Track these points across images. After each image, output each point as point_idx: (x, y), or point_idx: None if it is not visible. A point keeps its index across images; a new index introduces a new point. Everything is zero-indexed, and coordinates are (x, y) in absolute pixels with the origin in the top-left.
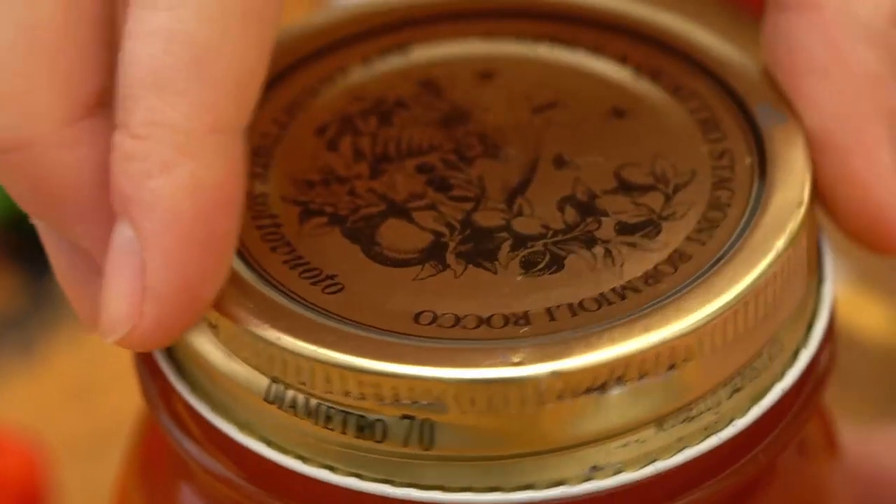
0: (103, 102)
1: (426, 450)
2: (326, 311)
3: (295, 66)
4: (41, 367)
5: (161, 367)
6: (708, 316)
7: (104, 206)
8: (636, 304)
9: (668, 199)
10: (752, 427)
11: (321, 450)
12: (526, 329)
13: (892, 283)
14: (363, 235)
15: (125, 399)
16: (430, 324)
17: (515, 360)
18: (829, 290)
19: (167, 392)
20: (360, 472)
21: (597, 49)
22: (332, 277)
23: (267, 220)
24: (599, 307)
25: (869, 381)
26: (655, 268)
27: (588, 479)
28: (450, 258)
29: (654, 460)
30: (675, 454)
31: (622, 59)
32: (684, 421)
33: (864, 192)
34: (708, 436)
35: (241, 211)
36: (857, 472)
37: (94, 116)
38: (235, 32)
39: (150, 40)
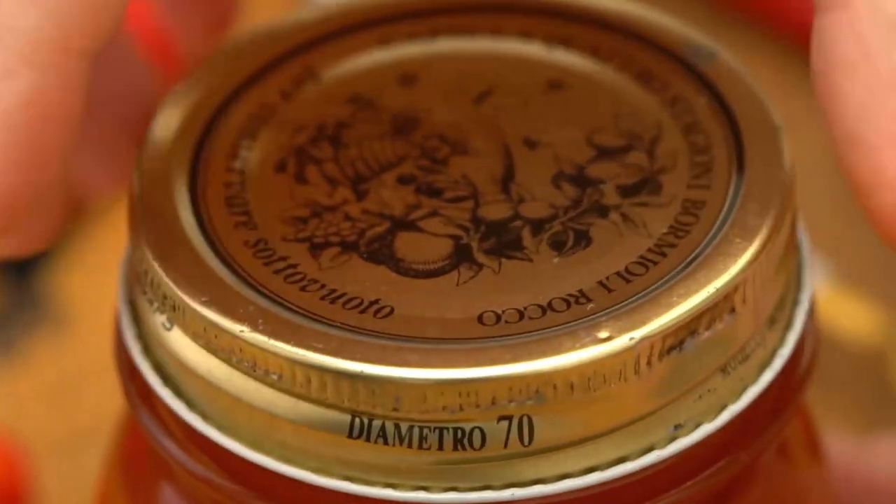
0: None
1: (525, 446)
2: (390, 334)
3: (221, 108)
4: (21, 366)
5: (141, 368)
6: (755, 252)
7: None
8: (681, 258)
9: (650, 154)
10: (733, 427)
11: (413, 473)
12: (591, 305)
13: (875, 284)
14: (383, 255)
15: (105, 398)
16: (496, 323)
17: (603, 335)
18: (808, 288)
19: (148, 392)
20: (456, 485)
21: (497, 31)
22: (375, 302)
23: (280, 263)
24: (647, 269)
25: (851, 383)
26: (676, 220)
27: (673, 438)
28: (480, 257)
29: (724, 406)
30: (740, 396)
31: (527, 35)
32: (742, 361)
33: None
34: (762, 371)
35: (73, 137)
36: (849, 478)
37: None
38: None
39: None
